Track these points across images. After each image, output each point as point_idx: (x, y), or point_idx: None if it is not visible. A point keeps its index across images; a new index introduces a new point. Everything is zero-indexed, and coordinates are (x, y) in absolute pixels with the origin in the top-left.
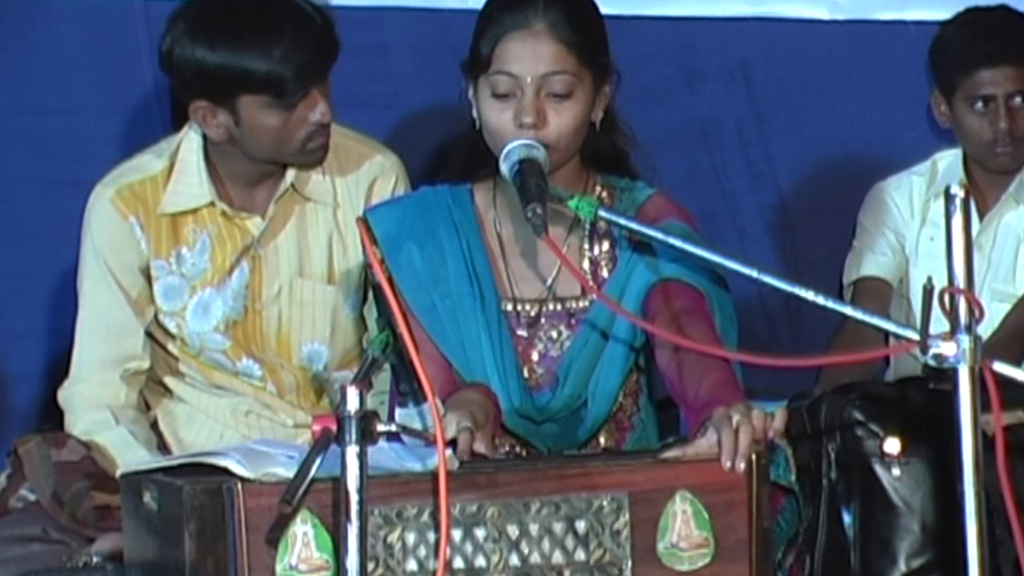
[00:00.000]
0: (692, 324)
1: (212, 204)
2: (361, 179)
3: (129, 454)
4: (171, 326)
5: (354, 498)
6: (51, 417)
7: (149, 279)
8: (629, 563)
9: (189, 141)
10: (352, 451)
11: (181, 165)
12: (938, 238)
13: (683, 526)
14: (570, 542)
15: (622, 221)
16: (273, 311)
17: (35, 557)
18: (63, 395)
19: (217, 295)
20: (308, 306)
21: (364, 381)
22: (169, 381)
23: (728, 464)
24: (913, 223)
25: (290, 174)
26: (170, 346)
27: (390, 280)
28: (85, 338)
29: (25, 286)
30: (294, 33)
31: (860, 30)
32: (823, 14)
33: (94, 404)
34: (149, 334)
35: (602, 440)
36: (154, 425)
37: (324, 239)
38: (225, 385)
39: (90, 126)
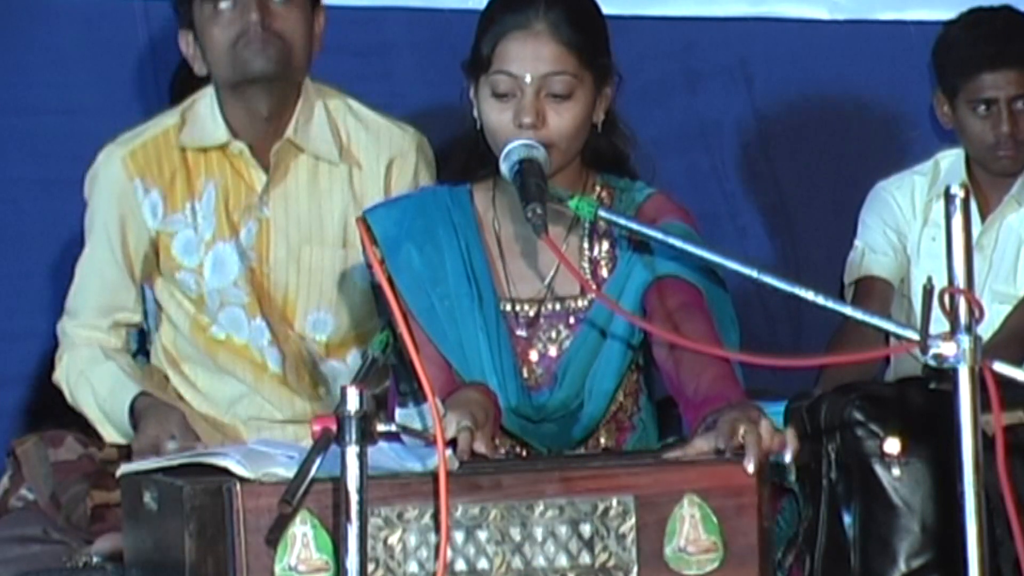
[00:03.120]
0: (689, 320)
1: (226, 145)
2: (381, 152)
3: (122, 390)
4: (191, 285)
5: (354, 499)
6: (50, 417)
7: (153, 243)
8: (635, 567)
9: (204, 96)
10: (352, 451)
11: (196, 108)
12: (940, 238)
13: (691, 530)
14: (575, 545)
15: (622, 221)
16: (280, 275)
17: (35, 557)
18: (59, 328)
19: (230, 247)
20: (317, 272)
21: (364, 381)
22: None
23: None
24: (915, 223)
25: (290, 127)
26: (180, 321)
27: (390, 281)
28: (81, 282)
29: (25, 286)
30: None
31: (860, 30)
32: (823, 14)
33: (87, 342)
34: (147, 324)
35: (602, 440)
36: None
37: (339, 205)
38: (227, 367)
39: (90, 126)
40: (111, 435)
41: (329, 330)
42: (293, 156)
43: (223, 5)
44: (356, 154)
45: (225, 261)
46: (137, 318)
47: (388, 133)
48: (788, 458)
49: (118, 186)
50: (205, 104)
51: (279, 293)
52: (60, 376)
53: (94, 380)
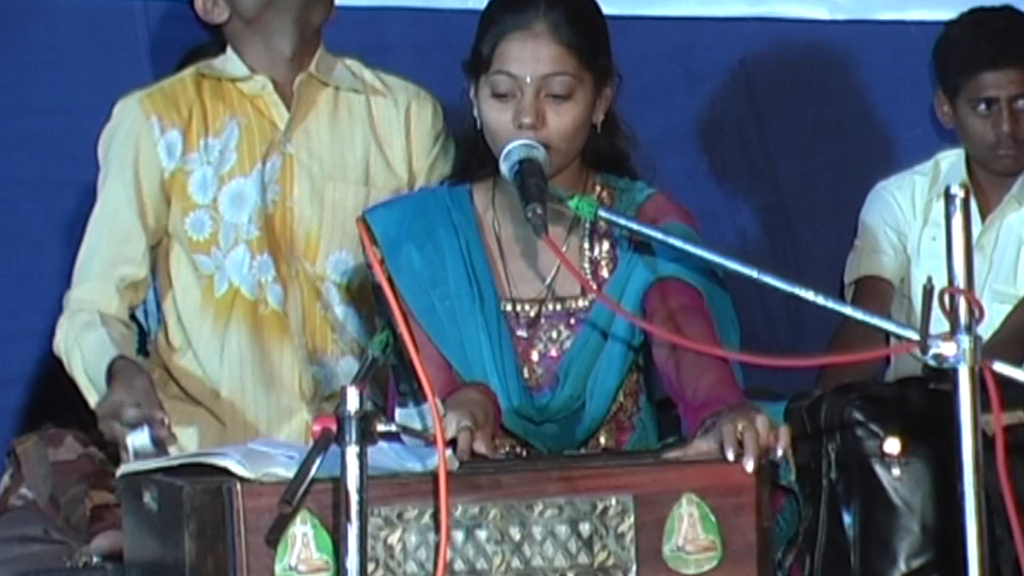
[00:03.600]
0: (690, 322)
1: (247, 80)
2: (399, 96)
3: (105, 356)
4: (205, 223)
5: (354, 498)
6: (51, 417)
7: (165, 186)
8: (634, 566)
9: (224, 54)
10: (352, 451)
11: (211, 63)
12: (940, 238)
13: (690, 529)
14: (574, 545)
15: (622, 221)
16: (305, 211)
17: (35, 557)
18: (64, 299)
19: (248, 182)
20: (340, 210)
21: (364, 381)
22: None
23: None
24: (915, 223)
25: (312, 63)
26: (190, 286)
27: (390, 281)
28: (91, 238)
29: (25, 286)
30: None
31: (860, 30)
32: (823, 14)
33: (88, 307)
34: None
35: (602, 440)
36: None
37: (361, 142)
38: (233, 328)
39: (90, 126)
40: (96, 402)
41: (350, 271)
42: (316, 90)
43: None
44: (376, 90)
45: (243, 195)
46: (143, 274)
47: (404, 84)
48: (779, 453)
49: (135, 125)
50: (219, 59)
51: (302, 229)
52: (58, 343)
53: (84, 347)
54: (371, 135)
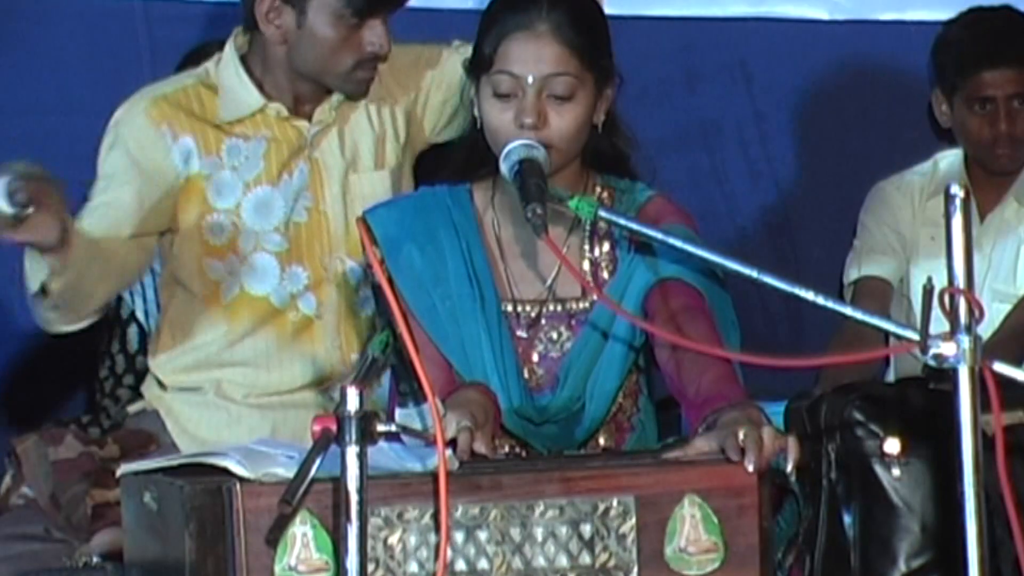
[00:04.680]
0: (691, 322)
1: (264, 109)
2: (412, 69)
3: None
4: (224, 227)
5: (354, 499)
6: (52, 417)
7: (174, 193)
8: (636, 568)
9: (224, 65)
10: (352, 451)
11: (223, 84)
12: (939, 238)
13: (692, 530)
14: (575, 546)
15: (622, 221)
16: (339, 208)
17: (36, 556)
18: None
19: (276, 193)
20: (364, 199)
21: (364, 381)
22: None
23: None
24: (914, 223)
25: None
26: (210, 269)
27: (390, 281)
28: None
29: (24, 286)
30: None
31: (860, 30)
32: (823, 14)
33: None
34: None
35: (601, 441)
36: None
37: (368, 132)
38: (253, 321)
39: (90, 126)
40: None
41: None
42: (347, 108)
43: (348, 22)
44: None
45: (270, 205)
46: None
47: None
48: (789, 467)
49: (143, 135)
50: (230, 74)
51: (340, 228)
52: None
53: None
54: (379, 124)
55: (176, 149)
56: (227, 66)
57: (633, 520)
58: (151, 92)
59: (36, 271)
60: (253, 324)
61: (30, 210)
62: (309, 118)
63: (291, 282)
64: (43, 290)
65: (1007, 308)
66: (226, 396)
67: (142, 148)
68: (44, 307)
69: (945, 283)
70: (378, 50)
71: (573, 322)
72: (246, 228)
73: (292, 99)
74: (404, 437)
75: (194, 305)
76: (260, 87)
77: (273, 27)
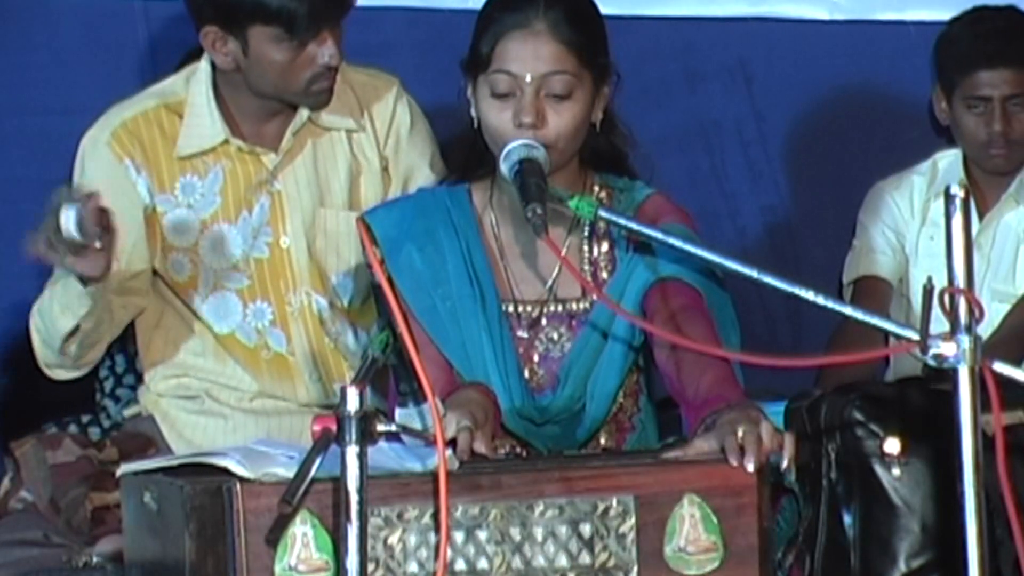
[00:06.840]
0: (691, 322)
1: (226, 142)
2: (384, 111)
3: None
4: (184, 266)
5: (354, 498)
6: (50, 419)
7: (148, 227)
8: (635, 567)
9: (197, 83)
10: (352, 451)
11: (191, 107)
12: (938, 238)
13: (691, 530)
14: (575, 545)
15: (622, 221)
16: (302, 243)
17: (35, 560)
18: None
19: (234, 230)
20: (332, 235)
21: (364, 381)
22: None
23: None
24: (913, 222)
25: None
26: (176, 299)
27: (390, 281)
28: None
29: (25, 286)
30: None
31: (860, 30)
32: (823, 14)
33: None
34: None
35: (602, 440)
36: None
37: (343, 168)
38: (232, 355)
39: (90, 126)
40: (44, 354)
41: (351, 291)
42: (312, 135)
43: (291, 43)
44: (361, 117)
45: (225, 242)
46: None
47: (387, 93)
48: (784, 463)
49: (108, 167)
50: (200, 99)
51: (303, 261)
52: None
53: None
54: (355, 164)
55: (140, 182)
56: (198, 85)
57: (633, 520)
58: (112, 121)
59: (74, 307)
60: (233, 358)
61: (98, 244)
62: (276, 148)
63: (255, 318)
64: (73, 330)
65: (1007, 308)
66: (220, 401)
67: (110, 184)
68: (63, 349)
69: (945, 283)
70: (329, 61)
71: (573, 322)
72: (205, 266)
73: (260, 120)
74: (404, 437)
75: (181, 330)
76: (228, 111)
77: (222, 56)
